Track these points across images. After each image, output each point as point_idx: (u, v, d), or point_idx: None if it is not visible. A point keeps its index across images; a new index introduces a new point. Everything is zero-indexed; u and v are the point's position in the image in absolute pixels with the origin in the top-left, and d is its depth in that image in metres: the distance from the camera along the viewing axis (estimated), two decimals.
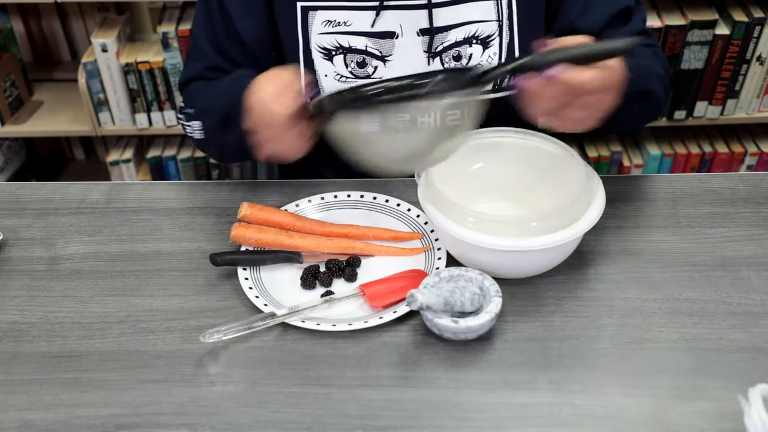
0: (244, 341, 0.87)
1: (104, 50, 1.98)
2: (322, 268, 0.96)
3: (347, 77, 1.07)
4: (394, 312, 0.88)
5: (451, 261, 0.95)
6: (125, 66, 2.01)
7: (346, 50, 1.06)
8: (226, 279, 0.95)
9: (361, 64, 1.07)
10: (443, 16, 1.04)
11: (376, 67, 1.07)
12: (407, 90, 0.85)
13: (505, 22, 1.06)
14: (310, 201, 1.05)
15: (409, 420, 0.78)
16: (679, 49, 1.92)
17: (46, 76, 2.29)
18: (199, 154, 2.17)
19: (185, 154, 2.19)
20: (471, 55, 1.07)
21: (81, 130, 2.13)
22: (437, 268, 0.94)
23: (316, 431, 0.78)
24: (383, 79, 0.96)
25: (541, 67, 0.81)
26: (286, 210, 1.03)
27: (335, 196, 1.05)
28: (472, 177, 1.01)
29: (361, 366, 0.84)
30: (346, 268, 0.95)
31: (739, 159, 2.14)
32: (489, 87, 1.03)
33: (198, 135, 1.09)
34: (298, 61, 1.07)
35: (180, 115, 1.13)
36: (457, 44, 1.06)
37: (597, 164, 2.14)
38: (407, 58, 1.06)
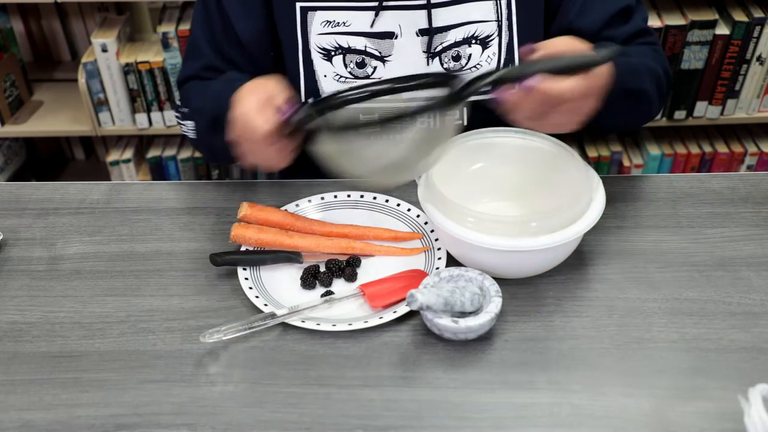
0: (244, 341, 0.87)
1: (104, 50, 1.98)
2: (322, 268, 0.96)
3: (346, 77, 1.07)
4: (394, 312, 0.88)
5: (451, 261, 0.95)
6: (125, 66, 2.01)
7: (346, 50, 1.06)
8: (226, 279, 0.95)
9: (361, 65, 1.06)
10: (442, 16, 1.04)
11: (375, 68, 1.07)
12: (391, 106, 0.84)
13: (505, 23, 1.06)
14: (310, 201, 1.05)
15: (409, 420, 0.78)
16: (679, 49, 1.92)
17: (46, 76, 2.29)
18: (199, 154, 2.17)
19: (185, 154, 2.19)
20: (470, 55, 1.07)
21: (81, 130, 2.13)
22: (437, 268, 0.94)
23: (316, 431, 0.78)
24: (365, 86, 0.94)
25: (519, 79, 0.81)
26: (286, 210, 1.03)
27: (335, 196, 1.05)
28: (472, 177, 1.01)
29: (361, 366, 0.84)
30: (346, 268, 0.95)
31: (739, 159, 2.14)
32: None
33: (191, 134, 1.10)
34: (297, 62, 1.07)
35: (176, 114, 1.13)
36: (457, 44, 1.06)
37: (597, 164, 2.14)
38: (406, 59, 1.06)
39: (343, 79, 1.07)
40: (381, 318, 0.87)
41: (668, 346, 0.85)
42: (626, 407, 0.79)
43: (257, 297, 0.90)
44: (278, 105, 0.88)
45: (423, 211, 0.96)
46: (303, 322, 0.87)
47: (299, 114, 0.86)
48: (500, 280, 0.89)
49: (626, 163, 2.15)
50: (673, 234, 1.00)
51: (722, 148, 2.13)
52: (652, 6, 1.97)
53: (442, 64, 1.07)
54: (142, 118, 2.09)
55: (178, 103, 1.13)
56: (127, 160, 2.20)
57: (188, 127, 1.09)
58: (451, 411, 0.79)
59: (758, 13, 1.90)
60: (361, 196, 1.05)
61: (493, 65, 1.07)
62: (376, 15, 1.03)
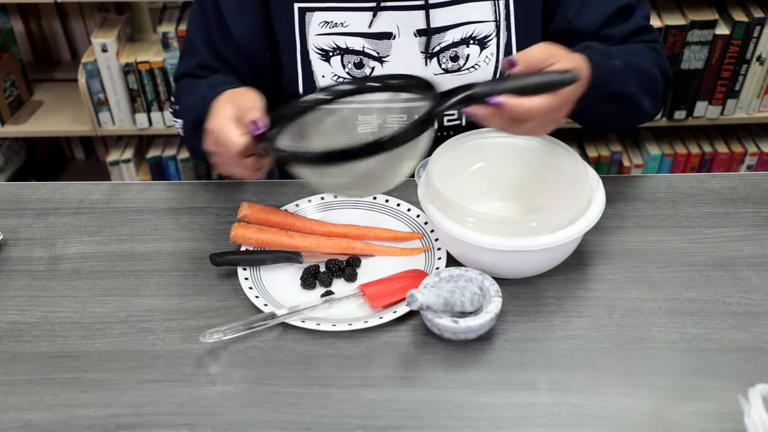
0: (244, 341, 0.87)
1: (104, 50, 1.98)
2: (322, 268, 0.96)
3: (344, 78, 1.07)
4: (394, 312, 0.88)
5: (451, 261, 0.95)
6: (125, 66, 2.01)
7: (344, 51, 1.06)
8: (226, 279, 0.95)
9: (359, 65, 1.06)
10: (440, 16, 1.04)
11: (373, 68, 1.07)
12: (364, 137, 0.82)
13: (503, 23, 1.06)
14: (310, 201, 1.05)
15: (409, 420, 0.78)
16: (679, 49, 1.92)
17: (46, 76, 2.29)
18: None
19: (185, 154, 2.19)
20: (468, 55, 1.07)
21: (81, 130, 2.13)
22: (437, 268, 0.94)
23: (316, 431, 0.78)
24: (332, 86, 0.93)
25: (487, 97, 0.82)
26: (286, 210, 1.03)
27: (335, 196, 1.05)
28: (472, 177, 1.01)
29: (361, 366, 0.84)
30: (346, 268, 0.95)
31: (739, 159, 2.14)
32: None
33: (181, 132, 1.10)
34: (296, 62, 1.07)
35: (170, 109, 1.13)
36: (455, 45, 1.06)
37: (597, 164, 2.14)
38: (404, 59, 1.06)
39: (341, 80, 1.07)
40: (381, 318, 0.87)
41: (668, 346, 0.85)
42: (626, 407, 0.79)
43: (257, 297, 0.90)
44: (252, 119, 0.86)
45: (423, 211, 0.96)
46: (303, 322, 0.87)
47: (265, 146, 0.85)
48: (500, 280, 0.89)
49: (626, 163, 2.15)
50: (673, 234, 1.00)
51: (722, 148, 2.13)
52: (652, 6, 1.97)
53: (440, 65, 1.07)
54: (142, 118, 2.09)
55: (172, 99, 1.14)
56: (127, 160, 2.20)
57: (179, 125, 1.10)
58: (451, 411, 0.79)
59: (758, 13, 1.90)
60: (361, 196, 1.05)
61: (492, 65, 1.07)
62: (374, 15, 1.03)
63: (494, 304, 0.85)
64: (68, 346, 0.88)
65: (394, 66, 1.06)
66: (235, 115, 0.88)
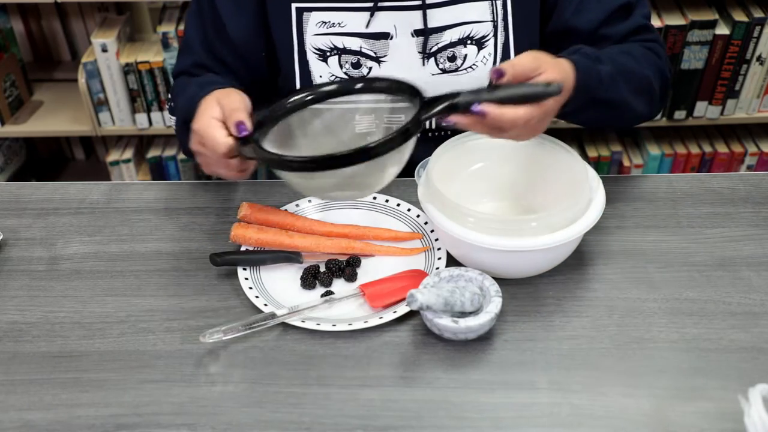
0: (244, 341, 0.87)
1: (104, 50, 1.98)
2: (322, 268, 0.96)
3: (342, 78, 1.07)
4: (394, 312, 0.88)
5: (451, 261, 0.95)
6: (125, 66, 2.01)
7: (341, 51, 1.06)
8: (226, 279, 0.95)
9: (356, 65, 1.07)
10: (438, 16, 1.04)
11: (370, 68, 1.07)
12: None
13: (500, 23, 1.05)
14: (310, 201, 1.05)
15: (409, 420, 0.78)
16: (679, 49, 1.92)
17: (46, 76, 2.29)
18: None
19: None
20: (466, 55, 1.06)
21: (81, 130, 2.13)
22: (437, 268, 0.94)
23: (316, 431, 0.78)
24: (316, 88, 0.93)
25: (469, 107, 0.83)
26: (286, 210, 1.03)
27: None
28: (472, 177, 1.01)
29: (361, 366, 0.84)
30: (346, 268, 0.95)
31: (739, 159, 2.14)
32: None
33: (175, 129, 1.11)
34: (293, 63, 1.07)
35: (167, 106, 1.14)
36: (452, 45, 1.06)
37: (597, 164, 2.14)
38: (402, 59, 1.06)
39: (328, 81, 1.07)
40: (381, 318, 0.87)
41: (668, 346, 0.85)
42: (626, 407, 0.79)
43: (257, 297, 0.90)
44: (237, 120, 0.86)
45: (423, 211, 0.96)
46: (303, 322, 0.87)
47: (250, 148, 0.85)
48: (500, 280, 0.89)
49: (626, 163, 2.15)
50: (673, 234, 1.00)
51: (722, 148, 2.13)
52: (652, 6, 1.97)
53: (437, 65, 1.07)
54: (142, 118, 2.09)
55: (169, 96, 1.14)
56: (127, 160, 2.20)
57: (173, 122, 1.11)
58: (451, 411, 0.79)
59: (758, 13, 1.90)
60: None
61: (489, 66, 1.07)
62: (371, 15, 1.03)
63: (494, 304, 0.85)
64: (68, 346, 0.88)
65: (391, 66, 1.06)
66: (220, 115, 0.88)
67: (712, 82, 1.98)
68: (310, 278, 0.94)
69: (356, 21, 1.04)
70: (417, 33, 1.05)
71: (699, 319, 0.88)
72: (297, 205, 1.04)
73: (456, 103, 0.83)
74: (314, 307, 0.89)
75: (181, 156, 2.18)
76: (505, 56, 1.07)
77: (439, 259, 0.95)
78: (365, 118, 0.95)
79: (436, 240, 0.98)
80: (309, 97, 0.92)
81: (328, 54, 1.06)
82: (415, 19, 1.04)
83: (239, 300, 0.92)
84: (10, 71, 2.13)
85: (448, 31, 1.05)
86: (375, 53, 1.06)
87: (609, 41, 1.06)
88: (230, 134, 0.87)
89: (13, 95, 2.15)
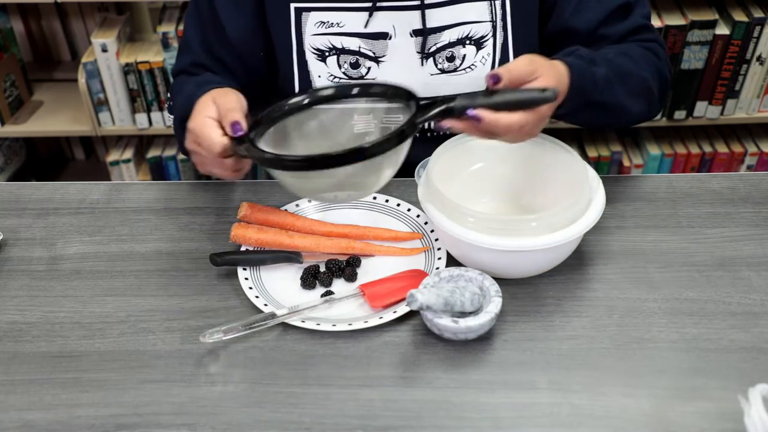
0: (244, 341, 0.87)
1: (104, 50, 1.98)
2: (322, 268, 0.96)
3: (341, 78, 1.07)
4: (394, 312, 0.88)
5: (451, 261, 0.95)
6: (125, 66, 2.01)
7: (340, 51, 1.06)
8: (226, 279, 0.95)
9: (355, 65, 1.07)
10: (436, 16, 1.04)
11: (369, 68, 1.07)
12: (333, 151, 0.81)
13: (499, 23, 1.05)
14: (310, 201, 1.05)
15: (409, 420, 0.78)
16: (679, 49, 1.92)
17: (46, 76, 2.29)
18: None
19: None
20: (464, 56, 1.06)
21: (81, 130, 2.13)
22: (437, 268, 0.94)
23: (316, 431, 0.78)
24: (311, 93, 0.93)
25: (464, 112, 0.83)
26: (286, 210, 1.03)
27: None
28: (472, 177, 1.01)
29: (361, 366, 0.84)
30: (346, 268, 0.95)
31: (739, 159, 2.14)
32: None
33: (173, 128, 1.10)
34: (292, 63, 1.07)
35: (166, 105, 1.14)
36: (451, 45, 1.06)
37: (597, 164, 2.14)
38: (400, 59, 1.06)
39: (337, 80, 1.07)
40: (381, 318, 0.87)
41: (668, 346, 0.85)
42: (626, 407, 0.79)
43: (257, 297, 0.90)
44: (233, 120, 0.86)
45: (423, 211, 0.96)
46: (303, 322, 0.87)
47: (245, 144, 0.85)
48: (500, 280, 0.89)
49: (626, 163, 2.15)
50: (673, 234, 1.00)
51: (722, 148, 2.13)
52: (652, 6, 1.97)
53: (436, 65, 1.07)
54: (142, 118, 2.08)
55: (168, 95, 1.14)
56: (127, 160, 2.20)
57: (172, 120, 1.11)
58: (451, 411, 0.79)
59: (758, 13, 1.90)
60: None
61: (488, 66, 1.07)
62: (370, 15, 1.03)
63: (494, 304, 0.85)
64: (68, 346, 0.88)
65: (390, 66, 1.06)
66: (216, 115, 0.88)
67: (712, 82, 1.98)
68: (310, 278, 0.94)
69: (355, 21, 1.04)
70: (416, 33, 1.05)
71: (699, 319, 0.88)
72: (297, 205, 1.04)
73: (451, 107, 0.83)
74: (314, 307, 0.89)
75: (181, 156, 2.18)
76: (504, 56, 1.07)
77: (439, 259, 0.95)
78: (362, 119, 0.95)
79: (436, 240, 0.98)
80: (306, 101, 0.92)
81: (327, 54, 1.06)
82: (413, 19, 1.04)
83: (239, 300, 0.92)
84: (10, 71, 2.13)
85: (446, 31, 1.05)
86: (374, 53, 1.06)
87: (608, 41, 1.06)
88: (225, 134, 0.87)
89: (13, 95, 2.15)
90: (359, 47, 1.05)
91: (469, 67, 1.07)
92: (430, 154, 0.96)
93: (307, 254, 0.97)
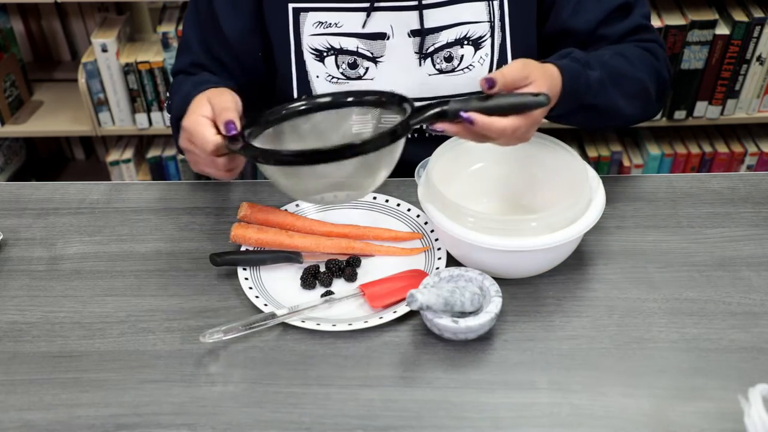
0: (244, 341, 0.87)
1: (104, 50, 1.98)
2: (322, 268, 0.96)
3: (339, 78, 1.07)
4: (394, 312, 0.88)
5: (451, 261, 0.95)
6: (125, 66, 2.01)
7: (338, 51, 1.06)
8: (226, 279, 0.95)
9: (353, 65, 1.06)
10: (434, 17, 1.04)
11: (367, 68, 1.07)
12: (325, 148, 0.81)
13: (497, 23, 1.05)
14: (302, 203, 1.05)
15: (409, 420, 0.78)
16: (679, 49, 1.92)
17: (46, 76, 2.29)
18: None
19: None
20: (462, 56, 1.06)
21: (81, 130, 2.13)
22: (437, 268, 0.94)
23: (316, 431, 0.78)
24: (308, 99, 0.93)
25: (458, 115, 0.83)
26: (286, 210, 1.03)
27: (297, 205, 1.05)
28: (472, 177, 1.01)
29: (361, 366, 0.84)
30: (346, 268, 0.95)
31: (739, 159, 2.14)
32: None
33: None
34: (290, 63, 1.07)
35: (165, 104, 1.14)
36: (449, 45, 1.06)
37: (597, 164, 2.14)
38: (398, 60, 1.06)
39: (335, 80, 1.07)
40: (381, 318, 0.87)
41: (668, 346, 0.85)
42: (626, 407, 0.79)
43: (257, 297, 0.90)
44: (227, 119, 0.86)
45: (423, 211, 0.96)
46: (303, 322, 0.87)
47: (238, 144, 0.85)
48: (500, 280, 0.89)
49: (626, 163, 2.15)
50: (673, 234, 1.00)
51: (722, 148, 2.13)
52: (652, 6, 1.97)
53: (434, 65, 1.07)
54: (142, 118, 2.09)
55: (168, 94, 1.14)
56: (127, 160, 2.20)
57: (170, 119, 1.11)
58: (451, 411, 0.79)
59: (758, 13, 1.90)
60: None
61: (486, 66, 1.07)
62: (368, 16, 1.03)
63: (494, 304, 0.85)
64: (68, 346, 0.88)
65: (388, 66, 1.06)
66: (210, 114, 0.89)
67: (712, 82, 1.98)
68: (310, 278, 0.94)
69: (353, 21, 1.04)
70: (414, 33, 1.05)
71: (699, 319, 0.88)
72: (297, 205, 1.04)
73: (445, 110, 0.84)
74: (314, 307, 0.89)
75: (181, 156, 2.19)
76: (502, 57, 1.07)
77: (439, 259, 0.95)
78: (357, 122, 0.95)
79: (436, 240, 0.98)
80: (302, 107, 0.92)
81: (325, 54, 1.06)
82: (411, 20, 1.04)
83: (239, 300, 0.92)
84: (10, 71, 2.13)
85: (444, 31, 1.05)
86: (372, 53, 1.06)
87: (607, 41, 1.05)
88: (219, 133, 0.87)
89: (13, 95, 2.15)
90: (357, 47, 1.05)
91: (467, 67, 1.07)
92: (429, 154, 0.96)
93: (307, 254, 0.97)
